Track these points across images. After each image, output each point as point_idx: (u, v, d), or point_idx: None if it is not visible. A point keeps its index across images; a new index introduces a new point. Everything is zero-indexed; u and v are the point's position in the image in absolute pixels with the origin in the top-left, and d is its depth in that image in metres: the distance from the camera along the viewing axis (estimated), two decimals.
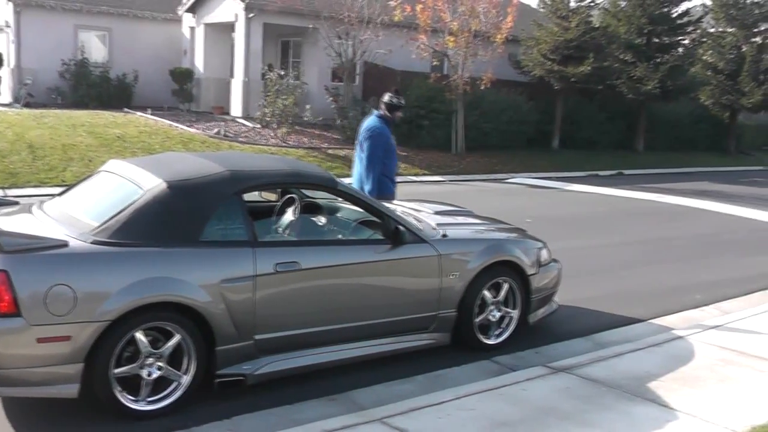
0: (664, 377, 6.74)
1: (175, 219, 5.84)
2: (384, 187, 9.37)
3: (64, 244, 5.43)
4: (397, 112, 9.56)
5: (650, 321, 8.87)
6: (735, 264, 12.73)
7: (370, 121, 9.53)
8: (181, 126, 24.54)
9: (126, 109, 27.65)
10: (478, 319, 7.41)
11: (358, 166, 9.53)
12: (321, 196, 7.75)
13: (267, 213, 7.34)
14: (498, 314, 7.59)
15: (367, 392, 6.31)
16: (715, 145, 37.60)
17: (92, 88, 29.07)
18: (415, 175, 23.43)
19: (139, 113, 26.62)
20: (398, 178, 21.30)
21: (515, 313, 7.69)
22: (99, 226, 5.67)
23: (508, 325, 7.67)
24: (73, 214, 6.11)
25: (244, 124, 26.29)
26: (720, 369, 7.06)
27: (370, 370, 6.72)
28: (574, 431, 5.58)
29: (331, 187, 6.84)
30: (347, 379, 6.51)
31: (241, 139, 24.14)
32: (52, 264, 5.31)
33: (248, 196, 6.51)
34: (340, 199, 7.35)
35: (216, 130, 24.48)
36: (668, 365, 7.06)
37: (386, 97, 9.51)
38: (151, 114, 26.33)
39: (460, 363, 7.11)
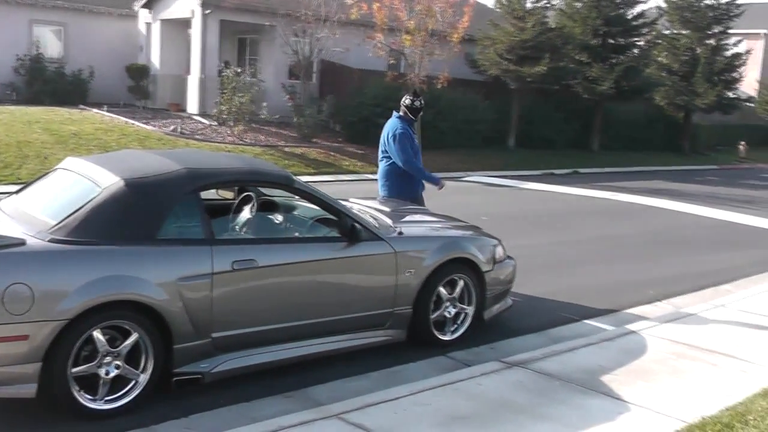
0: (617, 371, 6.88)
1: (132, 217, 5.83)
2: (406, 189, 9.54)
3: (22, 243, 5.41)
4: (419, 113, 9.62)
5: (603, 316, 9.02)
6: (687, 260, 12.95)
7: (392, 123, 9.52)
8: (137, 123, 24.36)
9: (82, 106, 27.33)
10: (433, 316, 7.47)
11: (383, 169, 9.60)
12: (277, 194, 7.76)
13: (224, 211, 7.33)
14: (453, 311, 7.66)
15: (323, 389, 6.34)
16: (670, 145, 38.14)
17: (47, 84, 28.66)
18: (372, 173, 23.36)
19: (95, 110, 26.38)
20: (354, 177, 21.36)
21: (470, 310, 7.76)
22: (56, 225, 5.65)
23: (463, 321, 7.74)
24: (31, 212, 6.09)
25: (200, 122, 26.18)
26: (672, 362, 7.22)
27: (326, 366, 6.76)
28: (528, 424, 5.67)
29: (288, 185, 6.86)
30: (304, 376, 6.53)
31: (197, 136, 24.01)
32: (10, 262, 5.27)
33: (205, 194, 6.52)
34: (296, 197, 7.38)
35: (172, 127, 24.34)
36: (621, 359, 7.20)
37: (407, 100, 9.53)
38: (107, 111, 26.09)
39: (416, 359, 7.16)
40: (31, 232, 5.59)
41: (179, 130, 24.01)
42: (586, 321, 8.80)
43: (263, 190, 7.63)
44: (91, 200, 5.80)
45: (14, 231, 5.62)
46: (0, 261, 5.24)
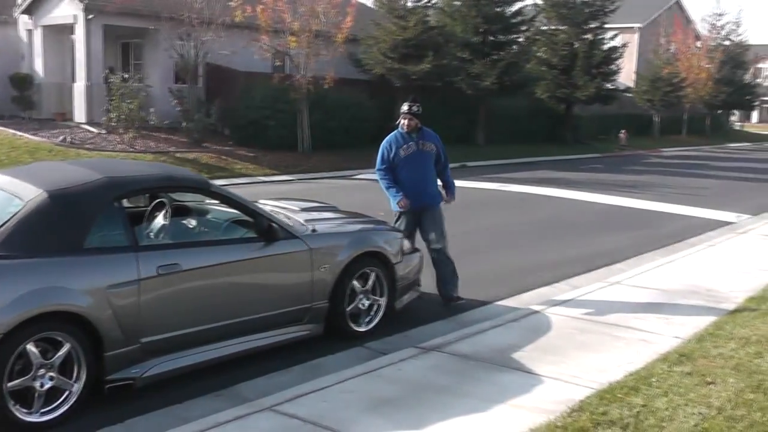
0: (526, 348, 7.33)
1: (59, 228, 5.90)
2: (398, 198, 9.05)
3: None
4: (400, 120, 9.16)
5: (506, 299, 9.46)
6: (579, 243, 13.60)
7: None
8: (25, 135, 23.86)
9: None
10: (348, 309, 7.77)
11: None
12: (189, 198, 7.88)
13: (141, 218, 7.41)
14: (367, 302, 7.99)
15: (250, 385, 6.53)
16: (553, 136, 39.41)
17: None
18: (264, 175, 23.60)
19: None
20: (247, 180, 21.12)
21: (383, 301, 8.11)
22: None
23: (376, 312, 8.08)
24: None
25: (89, 130, 25.71)
26: (576, 337, 7.73)
27: (250, 364, 6.93)
28: (450, 402, 6.02)
29: (205, 189, 7.07)
30: (230, 375, 6.70)
31: (87, 145, 23.66)
32: None
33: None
34: (208, 199, 7.56)
35: (61, 137, 23.90)
36: (529, 337, 7.67)
37: None
38: None
39: (335, 351, 7.43)
40: None
41: (69, 140, 23.60)
42: (491, 305, 9.21)
43: (175, 195, 7.75)
44: (17, 214, 5.83)
45: None
46: None
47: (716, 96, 55.33)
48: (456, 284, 9.16)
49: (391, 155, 9.09)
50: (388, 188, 9.11)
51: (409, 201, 9.02)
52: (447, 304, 9.08)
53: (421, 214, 9.17)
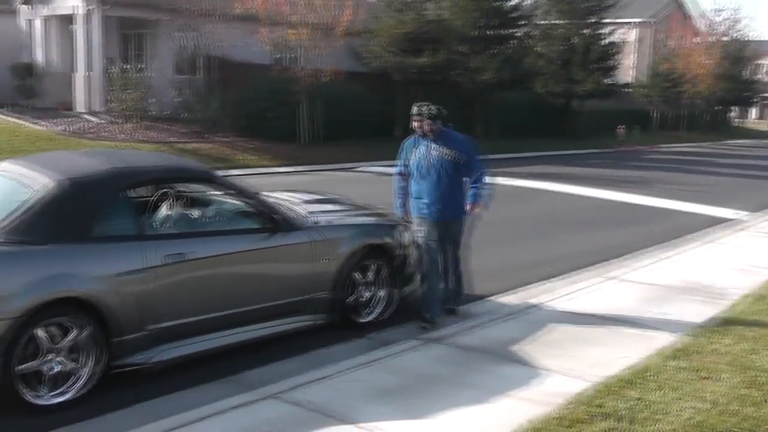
0: (526, 341, 7.46)
1: (69, 217, 6.01)
2: (412, 208, 8.44)
3: None
4: (413, 122, 8.43)
5: (507, 294, 9.54)
6: (579, 238, 13.72)
7: None
8: (27, 123, 23.90)
9: None
10: (349, 300, 7.88)
11: None
12: (193, 189, 7.95)
13: (147, 207, 7.49)
14: (368, 294, 8.09)
15: (254, 374, 6.64)
16: (552, 131, 39.36)
17: None
18: (265, 166, 23.63)
19: None
20: (248, 171, 21.01)
21: (383, 293, 8.20)
22: None
23: (377, 303, 8.18)
24: None
25: (89, 120, 25.75)
26: (575, 331, 7.87)
27: (253, 353, 7.03)
28: (452, 392, 6.14)
29: (212, 180, 7.22)
30: (234, 363, 6.80)
31: (88, 135, 23.67)
32: None
33: None
34: (211, 190, 7.64)
35: (62, 126, 23.91)
36: (529, 330, 7.80)
37: None
38: None
39: (335, 342, 7.53)
40: None
41: (70, 129, 23.62)
42: (492, 298, 9.31)
43: (180, 186, 7.83)
44: (29, 202, 5.96)
45: None
46: None
47: (715, 92, 55.42)
48: (438, 306, 8.31)
49: (404, 159, 8.51)
50: (394, 197, 8.65)
51: (416, 212, 8.36)
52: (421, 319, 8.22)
53: (446, 226, 8.33)
